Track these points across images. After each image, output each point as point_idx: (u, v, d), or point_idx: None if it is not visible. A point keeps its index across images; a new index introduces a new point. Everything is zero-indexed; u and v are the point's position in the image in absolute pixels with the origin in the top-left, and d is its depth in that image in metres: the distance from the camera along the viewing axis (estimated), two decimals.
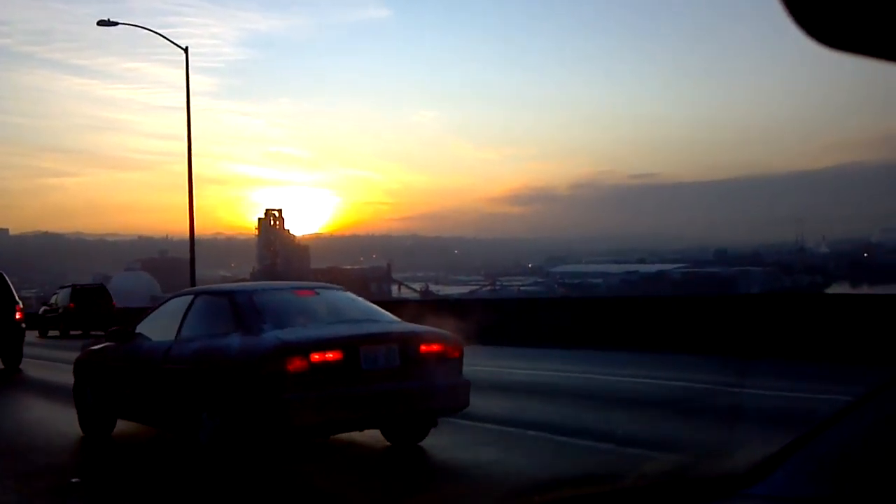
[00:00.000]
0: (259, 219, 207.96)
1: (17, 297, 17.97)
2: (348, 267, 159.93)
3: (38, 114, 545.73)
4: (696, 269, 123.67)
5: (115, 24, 29.92)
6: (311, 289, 9.18)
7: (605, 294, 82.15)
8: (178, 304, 9.15)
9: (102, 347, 9.96)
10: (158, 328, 9.12)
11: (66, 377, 15.68)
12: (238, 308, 8.12)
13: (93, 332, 33.79)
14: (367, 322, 8.30)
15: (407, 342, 7.86)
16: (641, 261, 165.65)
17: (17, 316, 17.72)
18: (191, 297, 9.03)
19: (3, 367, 17.90)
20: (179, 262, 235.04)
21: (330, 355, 7.36)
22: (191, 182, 31.04)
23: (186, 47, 31.34)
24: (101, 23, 30.05)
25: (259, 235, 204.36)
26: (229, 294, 8.56)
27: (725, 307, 19.21)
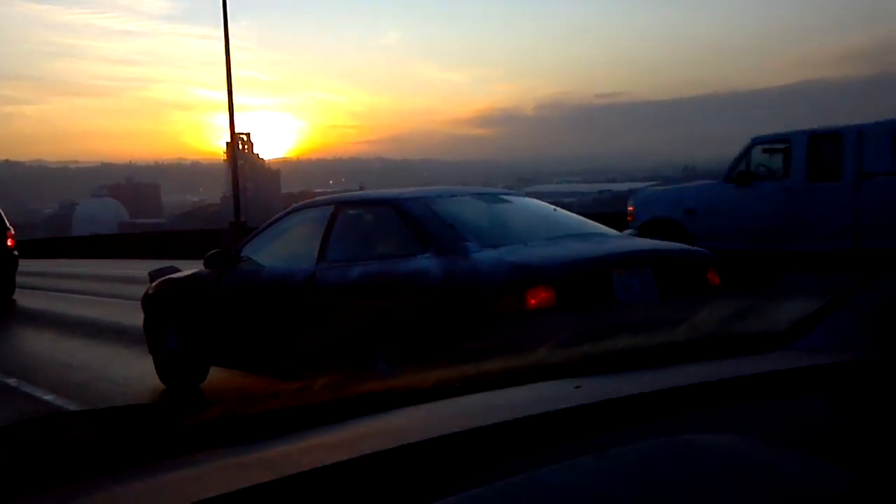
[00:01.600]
0: (227, 143, 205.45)
1: (8, 224, 17.14)
2: (320, 191, 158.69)
3: None
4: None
5: None
6: (496, 195, 7.10)
7: (581, 212, 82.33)
8: (308, 220, 7.18)
9: (191, 276, 7.83)
10: (280, 251, 7.21)
11: (83, 310, 14.75)
12: (416, 220, 6.16)
13: None
14: (597, 236, 6.36)
15: (661, 264, 5.92)
16: (612, 180, 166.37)
17: (10, 243, 16.92)
18: (328, 209, 6.89)
19: None
20: (146, 187, 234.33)
21: (582, 283, 5.46)
22: (230, 90, 28.19)
23: None
24: None
25: (227, 160, 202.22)
26: (394, 203, 6.49)
27: None
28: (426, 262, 5.78)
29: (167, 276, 8.19)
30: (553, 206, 7.15)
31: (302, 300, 6.44)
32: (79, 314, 13.71)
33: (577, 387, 1.40)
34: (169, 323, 7.77)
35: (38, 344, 11.53)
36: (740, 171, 12.30)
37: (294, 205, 7.63)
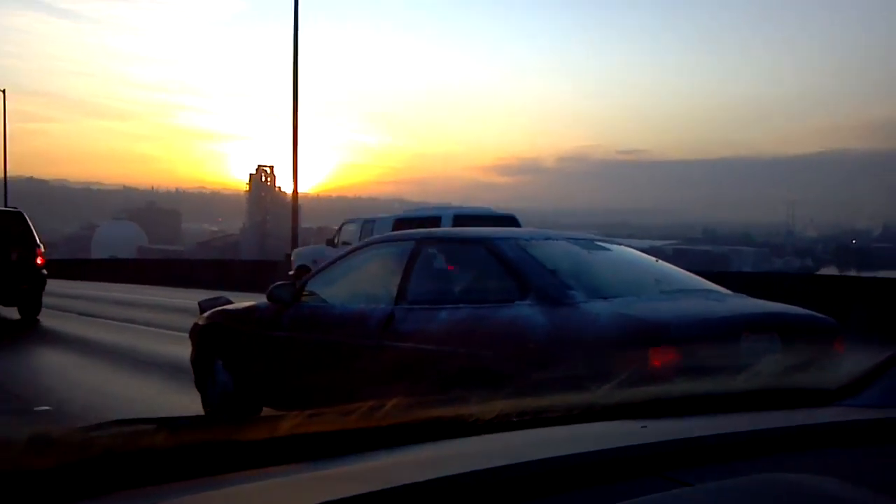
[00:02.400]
0: (250, 175, 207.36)
1: (38, 241, 16.68)
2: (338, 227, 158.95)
3: (24, 56, 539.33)
4: (687, 246, 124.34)
5: None
6: (592, 241, 6.47)
7: None
8: (383, 256, 6.66)
9: (248, 309, 7.28)
10: (351, 288, 6.67)
11: (110, 334, 14.63)
12: (512, 263, 5.57)
13: None
14: (713, 293, 5.79)
15: (787, 329, 5.33)
16: (631, 236, 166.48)
17: (39, 261, 16.41)
18: (408, 244, 6.32)
19: (18, 317, 16.65)
20: (167, 213, 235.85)
21: (711, 345, 4.85)
22: (296, 121, 28.08)
23: None
24: None
25: (250, 191, 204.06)
26: (486, 242, 5.90)
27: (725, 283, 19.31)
28: (527, 310, 5.20)
29: (220, 308, 7.61)
30: (654, 257, 6.60)
31: (378, 343, 5.89)
32: (111, 340, 13.44)
33: (643, 427, 1.41)
34: (220, 357, 7.20)
35: (66, 369, 11.08)
36: (329, 240, 20.79)
37: (367, 238, 7.14)
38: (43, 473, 1.12)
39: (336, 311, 6.42)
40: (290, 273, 21.35)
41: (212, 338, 7.33)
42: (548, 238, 6.13)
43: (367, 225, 18.90)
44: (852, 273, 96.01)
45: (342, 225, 20.76)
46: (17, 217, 16.90)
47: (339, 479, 1.15)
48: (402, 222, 17.96)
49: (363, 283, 6.65)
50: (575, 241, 6.26)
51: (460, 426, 1.44)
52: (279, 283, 7.00)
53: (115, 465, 1.18)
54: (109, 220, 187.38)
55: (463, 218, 17.22)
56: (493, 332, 5.29)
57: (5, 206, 27.11)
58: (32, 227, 16.84)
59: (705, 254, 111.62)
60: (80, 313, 18.16)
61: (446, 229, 7.41)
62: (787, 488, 1.00)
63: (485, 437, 1.40)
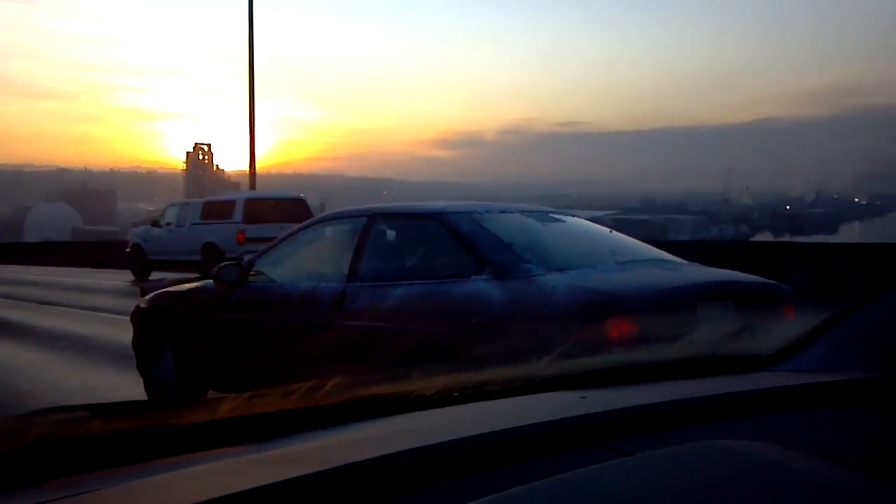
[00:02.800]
0: (187, 153, 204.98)
1: None
2: None
3: None
4: (626, 216, 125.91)
5: None
6: (546, 213, 6.39)
7: None
8: (334, 233, 6.54)
9: (193, 290, 7.10)
10: (301, 266, 6.53)
11: (47, 320, 13.78)
12: (467, 238, 5.51)
13: None
14: (668, 262, 5.80)
15: (743, 297, 5.38)
16: (570, 207, 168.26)
17: None
18: (360, 221, 6.18)
19: None
20: (102, 194, 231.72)
21: (667, 315, 4.81)
22: (252, 104, 29.37)
23: None
24: None
25: (187, 170, 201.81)
26: (440, 217, 5.80)
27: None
28: (484, 285, 5.13)
29: (164, 290, 7.48)
30: (608, 228, 6.59)
31: (329, 322, 5.80)
32: (46, 325, 12.95)
33: (582, 397, 1.42)
34: (164, 341, 7.02)
35: (42, 368, 9.71)
36: (154, 220, 22.85)
37: (318, 215, 6.90)
38: None
39: (285, 290, 6.29)
40: (127, 250, 23.08)
41: (155, 320, 7.15)
42: (502, 211, 6.05)
43: (185, 208, 21.78)
44: (786, 238, 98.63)
45: (166, 207, 23.23)
46: None
47: (279, 460, 1.14)
48: (209, 204, 21.45)
49: (313, 262, 6.53)
50: (529, 213, 6.20)
51: (401, 403, 1.44)
52: (225, 262, 6.83)
53: (49, 454, 1.16)
54: (42, 202, 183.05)
55: (254, 200, 20.15)
56: (448, 307, 5.22)
57: None
58: None
59: (643, 223, 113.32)
60: (41, 302, 17.12)
61: (399, 204, 7.35)
62: (722, 455, 1.02)
63: (425, 413, 1.40)
